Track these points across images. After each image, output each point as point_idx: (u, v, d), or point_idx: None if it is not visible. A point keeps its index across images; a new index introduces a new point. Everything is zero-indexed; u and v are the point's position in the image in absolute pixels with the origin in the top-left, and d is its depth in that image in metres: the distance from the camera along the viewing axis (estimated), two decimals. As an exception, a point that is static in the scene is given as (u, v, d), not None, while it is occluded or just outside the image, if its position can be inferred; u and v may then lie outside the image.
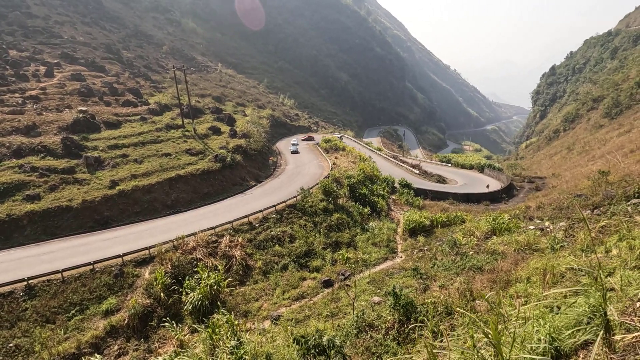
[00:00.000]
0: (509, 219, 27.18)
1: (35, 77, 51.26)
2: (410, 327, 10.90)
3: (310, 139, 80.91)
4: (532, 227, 23.04)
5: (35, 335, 18.46)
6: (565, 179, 48.13)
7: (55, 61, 57.61)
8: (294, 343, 9.59)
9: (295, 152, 65.39)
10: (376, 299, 17.43)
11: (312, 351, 8.99)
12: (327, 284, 24.11)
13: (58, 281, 21.91)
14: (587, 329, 4.02)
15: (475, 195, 51.41)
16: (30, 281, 21.21)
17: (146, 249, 25.16)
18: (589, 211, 19.73)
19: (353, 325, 12.63)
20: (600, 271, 3.93)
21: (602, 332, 3.51)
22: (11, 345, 18.17)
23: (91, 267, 23.10)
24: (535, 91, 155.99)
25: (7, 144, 35.76)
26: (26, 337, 18.70)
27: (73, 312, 20.60)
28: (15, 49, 58.26)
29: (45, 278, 21.75)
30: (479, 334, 4.25)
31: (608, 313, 3.66)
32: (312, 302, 21.84)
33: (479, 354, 3.79)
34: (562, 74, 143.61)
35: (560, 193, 34.00)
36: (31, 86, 48.61)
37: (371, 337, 11.62)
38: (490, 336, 3.37)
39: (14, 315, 19.70)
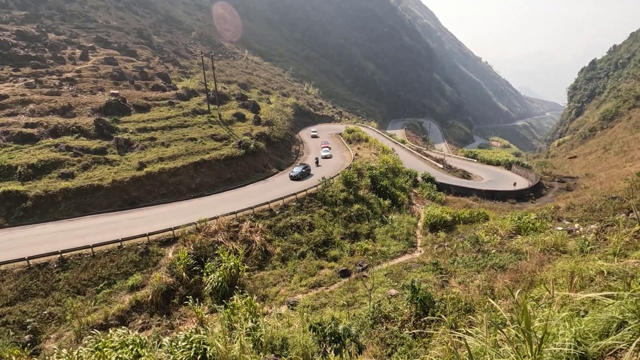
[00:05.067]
0: (535, 218, 26.27)
1: (71, 60, 53.31)
2: (426, 320, 10.81)
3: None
4: (560, 228, 22.14)
5: (67, 305, 19.60)
6: (599, 180, 45.90)
7: (90, 45, 59.60)
8: (310, 330, 9.71)
9: (327, 157, 53.26)
10: (393, 291, 17.37)
11: (328, 338, 9.08)
12: (345, 273, 24.23)
13: (89, 255, 23.10)
14: (618, 335, 3.84)
15: (501, 193, 49.89)
16: (63, 254, 22.49)
17: (170, 229, 26.02)
18: (623, 214, 18.74)
19: (369, 315, 12.66)
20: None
21: (638, 339, 3.34)
22: (45, 312, 19.45)
23: (119, 244, 24.18)
24: (572, 86, 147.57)
25: (45, 124, 37.57)
26: (59, 306, 19.93)
27: (101, 285, 21.74)
28: (54, 32, 60.67)
29: (77, 252, 22.99)
30: (502, 330, 4.15)
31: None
32: (328, 290, 22.04)
33: (500, 350, 3.70)
34: (602, 69, 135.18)
35: (593, 194, 32.45)
36: (67, 69, 50.60)
37: (387, 329, 11.62)
38: (521, 326, 3.27)
39: (49, 285, 21.00)
